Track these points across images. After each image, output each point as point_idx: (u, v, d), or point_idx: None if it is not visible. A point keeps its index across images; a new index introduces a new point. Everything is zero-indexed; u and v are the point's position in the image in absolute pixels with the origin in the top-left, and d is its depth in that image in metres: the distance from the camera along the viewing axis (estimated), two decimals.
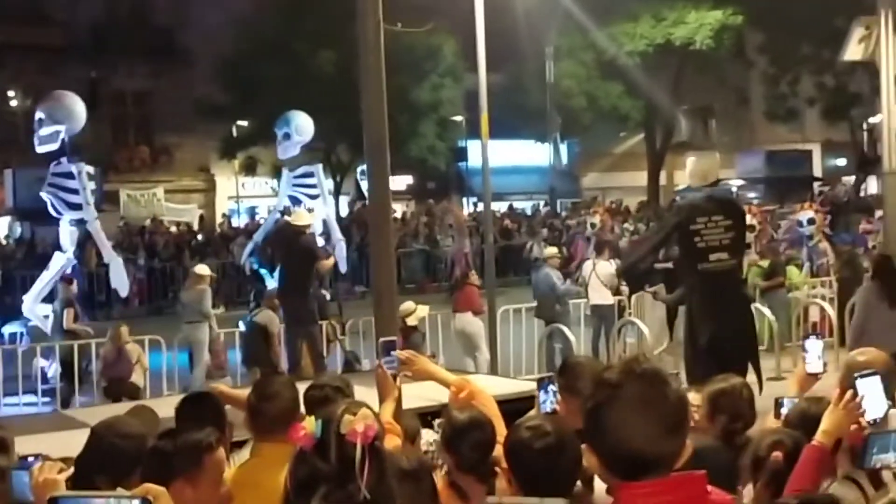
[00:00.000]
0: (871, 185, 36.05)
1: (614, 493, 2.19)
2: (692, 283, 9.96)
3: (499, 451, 3.71)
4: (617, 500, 2.18)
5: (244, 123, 32.30)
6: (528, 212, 36.55)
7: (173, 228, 30.47)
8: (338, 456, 2.63)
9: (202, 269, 14.78)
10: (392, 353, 4.45)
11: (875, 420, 3.17)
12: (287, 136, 14.04)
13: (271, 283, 14.19)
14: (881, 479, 3.19)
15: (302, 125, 14.09)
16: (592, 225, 20.88)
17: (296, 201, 13.89)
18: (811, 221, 14.97)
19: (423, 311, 12.45)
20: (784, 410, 4.26)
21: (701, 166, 10.54)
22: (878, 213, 21.07)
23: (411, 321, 12.09)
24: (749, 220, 13.12)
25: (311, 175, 14.09)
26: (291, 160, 14.45)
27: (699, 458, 3.80)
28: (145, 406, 5.26)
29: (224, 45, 30.95)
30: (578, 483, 3.40)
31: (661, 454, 2.15)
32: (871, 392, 3.21)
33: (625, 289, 14.16)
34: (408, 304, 12.33)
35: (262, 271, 15.13)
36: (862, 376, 3.29)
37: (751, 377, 9.32)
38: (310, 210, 13.36)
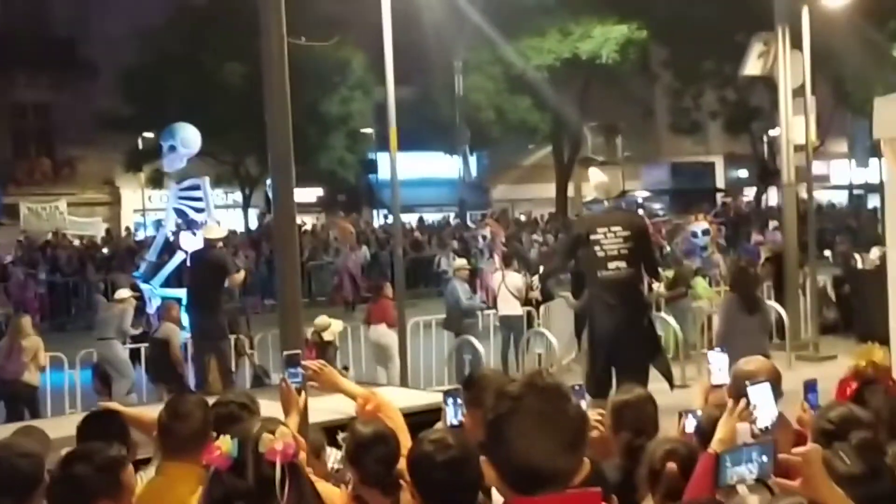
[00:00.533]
0: (772, 197, 37.05)
1: None
2: (593, 290, 10.45)
3: (404, 464, 3.71)
4: None
5: (150, 135, 31.81)
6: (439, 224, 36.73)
7: (76, 242, 29.79)
8: (256, 475, 2.61)
9: (122, 293, 14.30)
10: (296, 366, 4.42)
11: (767, 427, 3.26)
12: (173, 149, 13.84)
13: (158, 300, 13.95)
14: None
15: (188, 137, 13.90)
16: (483, 237, 21.02)
17: (181, 214, 13.69)
18: (706, 232, 15.25)
19: (337, 325, 12.45)
20: (687, 422, 4.28)
21: (604, 181, 11.03)
22: (773, 224, 21.69)
23: (327, 336, 12.09)
24: None
25: (196, 188, 13.91)
26: (179, 172, 14.29)
27: (598, 475, 3.85)
28: (34, 426, 5.14)
29: (128, 56, 30.46)
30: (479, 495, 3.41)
31: (558, 470, 2.15)
32: (761, 400, 3.30)
33: (535, 293, 14.29)
34: (323, 319, 12.31)
35: (145, 287, 14.80)
36: (753, 384, 3.37)
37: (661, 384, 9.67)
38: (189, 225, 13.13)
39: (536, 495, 2.13)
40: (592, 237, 10.34)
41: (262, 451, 2.62)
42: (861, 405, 4.11)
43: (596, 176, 11.27)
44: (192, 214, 13.56)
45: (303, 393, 4.44)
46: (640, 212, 30.93)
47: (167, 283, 14.76)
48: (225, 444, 2.65)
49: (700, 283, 15.90)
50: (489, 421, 2.21)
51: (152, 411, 4.43)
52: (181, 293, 13.95)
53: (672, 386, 10.48)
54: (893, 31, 24.81)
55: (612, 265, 10.24)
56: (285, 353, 4.60)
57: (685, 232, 16.92)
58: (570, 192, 37.62)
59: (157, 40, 30.21)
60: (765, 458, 2.63)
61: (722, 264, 15.47)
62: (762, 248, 17.58)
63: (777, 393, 4.15)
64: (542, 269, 13.59)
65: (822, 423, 3.86)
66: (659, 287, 14.82)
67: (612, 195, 11.09)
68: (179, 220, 14.10)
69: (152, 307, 14.27)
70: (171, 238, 14.83)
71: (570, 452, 2.16)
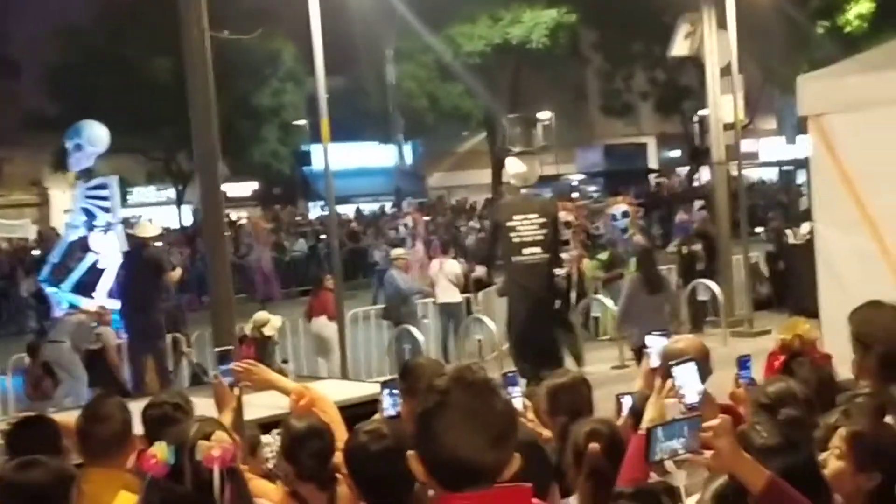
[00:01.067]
0: (704, 175, 37.50)
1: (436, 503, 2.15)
2: (510, 275, 11.33)
3: (339, 457, 3.69)
4: None
5: None
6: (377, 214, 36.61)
7: (5, 245, 29.16)
8: (194, 481, 2.56)
9: (90, 305, 13.86)
10: (228, 362, 4.38)
11: (693, 405, 3.29)
12: (79, 147, 13.59)
13: (66, 304, 13.61)
14: None
15: (95, 135, 13.64)
16: (406, 226, 21.05)
17: (90, 214, 13.43)
18: (625, 215, 15.31)
19: (277, 321, 12.40)
20: (625, 403, 4.29)
21: (521, 171, 11.87)
22: (698, 204, 21.98)
23: (267, 331, 12.03)
24: (565, 216, 14.41)
25: (104, 187, 13.67)
26: (88, 170, 14.04)
27: (542, 455, 3.85)
28: None
29: (52, 55, 29.85)
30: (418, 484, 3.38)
31: (485, 465, 2.11)
32: (686, 378, 3.33)
33: (475, 274, 14.47)
34: (262, 315, 12.27)
35: (51, 290, 14.44)
36: (677, 363, 3.41)
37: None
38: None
39: (464, 491, 2.11)
40: (509, 224, 11.12)
41: (199, 459, 2.58)
42: (789, 377, 4.17)
43: (514, 165, 12.00)
44: (100, 214, 13.28)
45: (236, 389, 4.40)
46: (575, 195, 31.25)
47: (80, 286, 14.36)
48: (161, 452, 2.60)
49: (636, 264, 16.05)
50: (417, 415, 2.19)
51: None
52: (86, 302, 13.50)
53: (581, 366, 11.25)
54: (816, 9, 25.19)
55: (526, 251, 11.02)
56: (217, 349, 4.57)
57: (605, 215, 16.97)
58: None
59: (81, 37, 29.66)
60: (692, 434, 2.66)
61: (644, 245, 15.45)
62: (691, 227, 17.75)
63: (707, 370, 4.20)
64: (481, 257, 13.91)
65: (759, 398, 3.91)
66: (596, 270, 15.04)
67: (529, 183, 11.89)
68: (86, 220, 13.81)
69: (58, 311, 13.91)
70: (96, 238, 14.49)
71: (497, 447, 2.13)
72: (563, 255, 13.57)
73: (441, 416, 2.13)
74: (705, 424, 2.65)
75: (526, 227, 11.16)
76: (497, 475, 2.14)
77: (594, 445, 3.52)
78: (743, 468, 2.70)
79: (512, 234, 11.14)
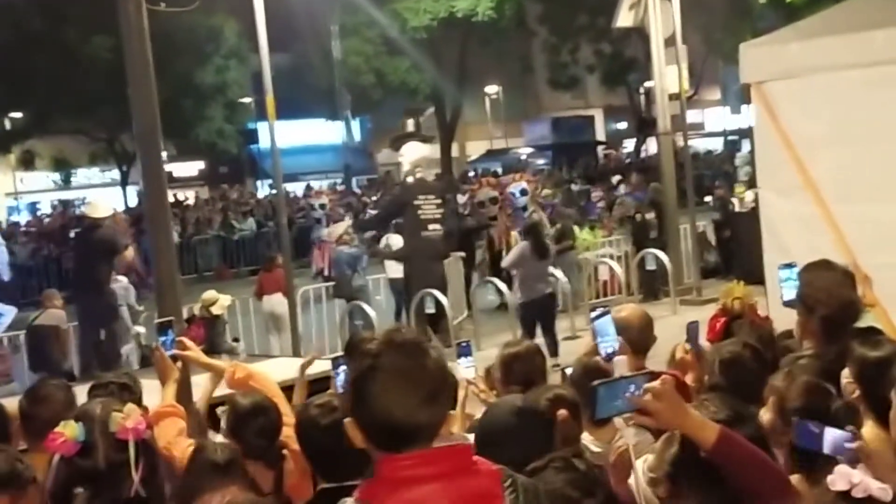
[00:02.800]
0: (651, 147, 37.78)
1: (377, 467, 2.16)
2: (414, 246, 12.84)
3: (285, 433, 3.67)
4: (379, 473, 2.15)
5: (18, 115, 30.64)
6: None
7: None
8: (106, 455, 2.54)
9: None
10: (167, 332, 4.33)
11: (609, 355, 3.35)
12: None
13: None
14: None
15: None
16: (322, 206, 20.99)
17: None
18: (524, 192, 15.27)
19: (226, 300, 12.37)
20: (568, 375, 4.34)
21: (415, 157, 13.67)
22: (615, 178, 22.09)
23: (216, 310, 12.04)
24: (489, 192, 15.68)
25: None
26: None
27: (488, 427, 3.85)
28: None
29: None
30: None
31: (419, 424, 2.13)
32: (604, 329, 3.39)
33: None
34: (211, 293, 12.29)
35: None
36: (597, 317, 3.46)
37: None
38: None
39: (402, 451, 2.12)
40: (415, 202, 12.76)
41: (114, 431, 2.55)
42: (730, 337, 4.26)
43: (415, 150, 13.73)
44: None
45: (178, 361, 4.35)
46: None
47: None
48: (69, 429, 2.57)
49: (581, 234, 16.13)
50: (351, 381, 2.20)
51: None
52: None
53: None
54: None
55: (431, 227, 12.72)
56: (156, 321, 4.52)
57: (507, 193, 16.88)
58: (455, 152, 37.66)
59: (16, 16, 28.97)
60: (639, 392, 2.65)
61: (545, 222, 15.12)
62: (599, 206, 17.66)
63: (650, 338, 4.25)
64: (363, 223, 15.03)
65: (716, 357, 3.96)
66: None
67: (421, 166, 13.61)
68: None
69: None
70: None
71: (430, 406, 2.14)
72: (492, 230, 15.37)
73: (373, 379, 2.14)
74: (645, 386, 2.63)
75: (429, 205, 12.78)
76: (434, 433, 2.16)
77: (563, 412, 3.52)
78: (690, 426, 2.65)
79: (419, 212, 12.71)
